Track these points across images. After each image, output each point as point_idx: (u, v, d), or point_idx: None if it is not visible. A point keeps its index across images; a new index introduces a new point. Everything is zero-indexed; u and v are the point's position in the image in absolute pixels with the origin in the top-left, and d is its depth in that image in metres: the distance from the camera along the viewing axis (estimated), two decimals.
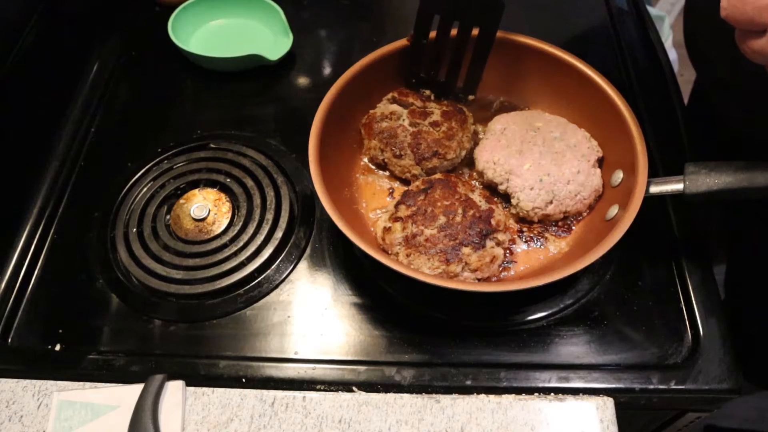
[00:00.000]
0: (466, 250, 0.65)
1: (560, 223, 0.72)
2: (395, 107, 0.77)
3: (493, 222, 0.67)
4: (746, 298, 0.97)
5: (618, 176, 0.71)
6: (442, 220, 0.66)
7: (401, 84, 0.80)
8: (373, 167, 0.78)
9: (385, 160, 0.75)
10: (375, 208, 0.75)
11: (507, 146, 0.72)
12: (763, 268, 0.92)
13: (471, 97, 0.79)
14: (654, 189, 0.64)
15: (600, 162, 0.74)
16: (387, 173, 0.77)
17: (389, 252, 0.67)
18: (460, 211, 0.67)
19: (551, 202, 0.70)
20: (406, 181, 0.76)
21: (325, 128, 0.70)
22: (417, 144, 0.73)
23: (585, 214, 0.73)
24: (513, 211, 0.72)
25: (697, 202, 0.63)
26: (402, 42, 0.77)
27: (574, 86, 0.76)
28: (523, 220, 0.72)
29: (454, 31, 0.74)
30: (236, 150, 0.81)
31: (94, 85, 0.90)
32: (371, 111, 0.77)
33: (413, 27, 0.74)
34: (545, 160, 0.71)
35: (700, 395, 0.64)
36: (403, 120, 0.75)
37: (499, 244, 0.67)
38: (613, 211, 0.68)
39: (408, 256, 0.65)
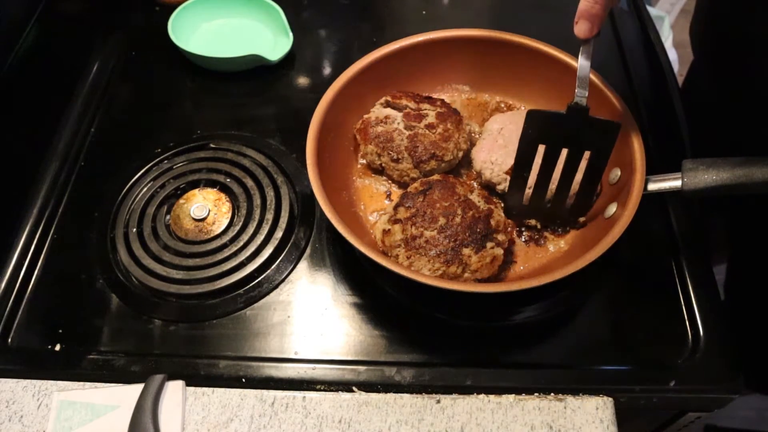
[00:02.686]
0: (466, 251, 0.64)
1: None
2: (389, 111, 0.77)
3: (492, 222, 0.66)
4: (747, 299, 0.97)
5: (616, 174, 0.71)
6: (441, 221, 0.66)
7: (394, 87, 0.79)
8: (371, 171, 0.78)
9: (383, 165, 0.75)
10: (373, 211, 0.75)
11: (504, 146, 0.72)
12: (763, 269, 0.92)
13: (582, 220, 0.70)
14: (652, 186, 0.64)
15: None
16: (384, 177, 0.77)
17: (389, 254, 0.67)
18: (459, 212, 0.66)
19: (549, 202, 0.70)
20: (403, 184, 0.76)
21: (322, 133, 0.70)
22: (414, 147, 0.73)
23: None
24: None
25: (695, 198, 0.63)
26: (392, 46, 0.76)
27: (570, 84, 0.76)
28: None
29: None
30: (236, 150, 0.81)
31: (94, 85, 0.90)
32: (365, 116, 0.77)
33: (514, 158, 0.65)
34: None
35: (700, 395, 0.64)
36: (398, 123, 0.75)
37: (498, 244, 0.66)
38: (612, 209, 0.68)
39: (408, 258, 0.65)
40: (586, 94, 0.61)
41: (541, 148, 0.64)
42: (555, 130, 0.62)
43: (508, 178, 0.71)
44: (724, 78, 0.81)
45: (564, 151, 0.64)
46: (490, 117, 0.80)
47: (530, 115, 0.62)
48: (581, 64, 0.62)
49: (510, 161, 0.71)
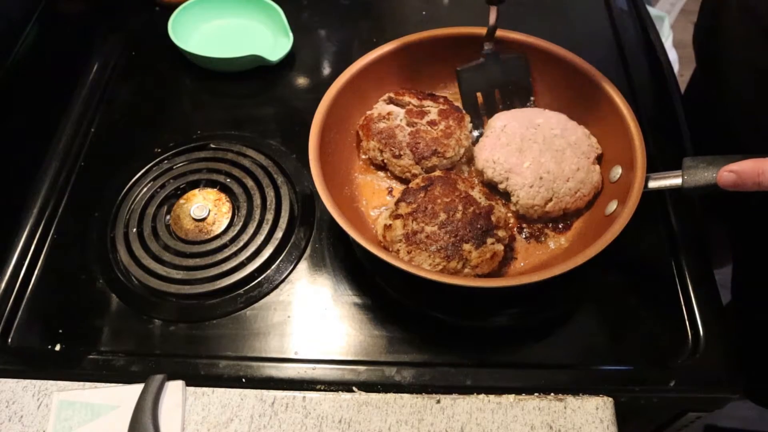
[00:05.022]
0: (466, 246, 0.65)
1: (560, 220, 0.72)
2: (392, 107, 0.77)
3: (493, 218, 0.67)
4: (751, 307, 0.96)
5: (617, 172, 0.71)
6: (442, 217, 0.66)
7: (397, 84, 0.80)
8: (373, 168, 0.78)
9: (385, 161, 0.75)
10: (375, 206, 0.75)
11: (507, 144, 0.72)
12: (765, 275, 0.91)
13: None
14: (652, 184, 0.64)
15: (599, 158, 0.74)
16: (386, 173, 0.77)
17: (390, 249, 0.67)
18: (460, 207, 0.67)
19: (551, 200, 0.70)
20: (405, 180, 0.76)
21: (324, 129, 0.71)
22: (416, 143, 0.73)
23: (584, 210, 0.73)
24: (513, 208, 0.72)
25: (695, 196, 0.63)
26: (395, 43, 0.77)
27: (572, 82, 0.76)
28: (523, 217, 0.73)
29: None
30: (236, 150, 0.81)
31: (94, 85, 0.90)
32: (368, 112, 0.78)
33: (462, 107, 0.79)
34: (545, 157, 0.71)
35: (700, 395, 0.64)
36: (401, 120, 0.75)
37: (499, 240, 0.66)
38: (612, 206, 0.68)
39: (409, 253, 0.65)
40: (492, 45, 0.77)
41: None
42: (481, 77, 0.78)
43: (510, 177, 0.71)
44: (718, 85, 0.82)
45: (497, 93, 0.80)
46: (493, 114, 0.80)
47: (458, 73, 0.78)
48: (490, 22, 0.75)
49: (513, 159, 0.71)
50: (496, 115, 0.77)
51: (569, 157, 0.71)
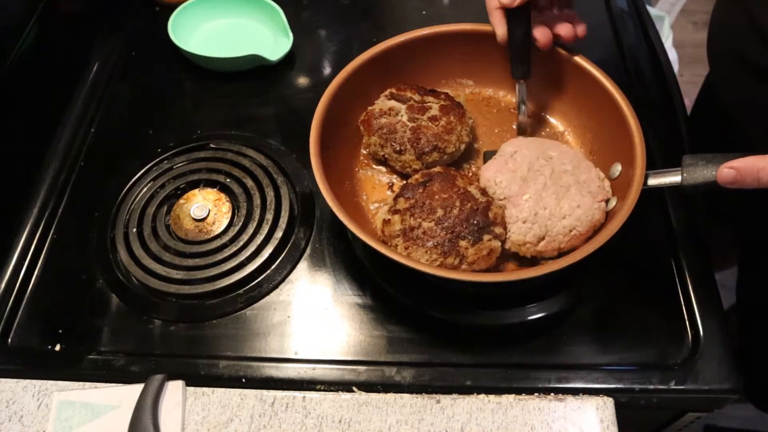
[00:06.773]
0: (463, 242, 0.64)
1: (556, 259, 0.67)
2: (393, 103, 0.77)
3: (490, 215, 0.66)
4: (755, 311, 0.96)
5: (616, 169, 0.71)
6: (439, 212, 0.66)
7: (399, 80, 0.80)
8: (374, 162, 0.78)
9: (386, 156, 0.75)
10: (375, 201, 0.75)
11: (513, 170, 0.69)
12: None
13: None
14: (652, 181, 0.64)
15: (607, 203, 0.69)
16: (387, 168, 0.77)
17: (389, 245, 0.67)
18: (457, 204, 0.66)
19: (543, 238, 0.66)
20: (405, 175, 0.76)
21: (326, 123, 0.71)
22: (417, 139, 0.73)
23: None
24: (505, 246, 0.67)
25: (695, 194, 0.63)
26: (397, 39, 0.77)
27: (570, 77, 0.76)
28: (515, 255, 0.68)
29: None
30: (236, 150, 0.81)
31: (94, 85, 0.90)
32: (369, 108, 0.78)
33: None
34: (547, 192, 0.67)
35: (700, 395, 0.64)
36: (402, 116, 0.75)
37: (496, 236, 0.66)
38: (612, 203, 0.68)
39: (406, 248, 0.65)
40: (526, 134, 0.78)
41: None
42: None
43: (507, 206, 0.68)
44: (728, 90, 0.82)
45: None
46: (493, 112, 0.81)
47: (486, 155, 0.77)
48: (520, 107, 0.76)
49: (514, 187, 0.68)
50: (510, 140, 0.74)
51: (573, 194, 0.67)
